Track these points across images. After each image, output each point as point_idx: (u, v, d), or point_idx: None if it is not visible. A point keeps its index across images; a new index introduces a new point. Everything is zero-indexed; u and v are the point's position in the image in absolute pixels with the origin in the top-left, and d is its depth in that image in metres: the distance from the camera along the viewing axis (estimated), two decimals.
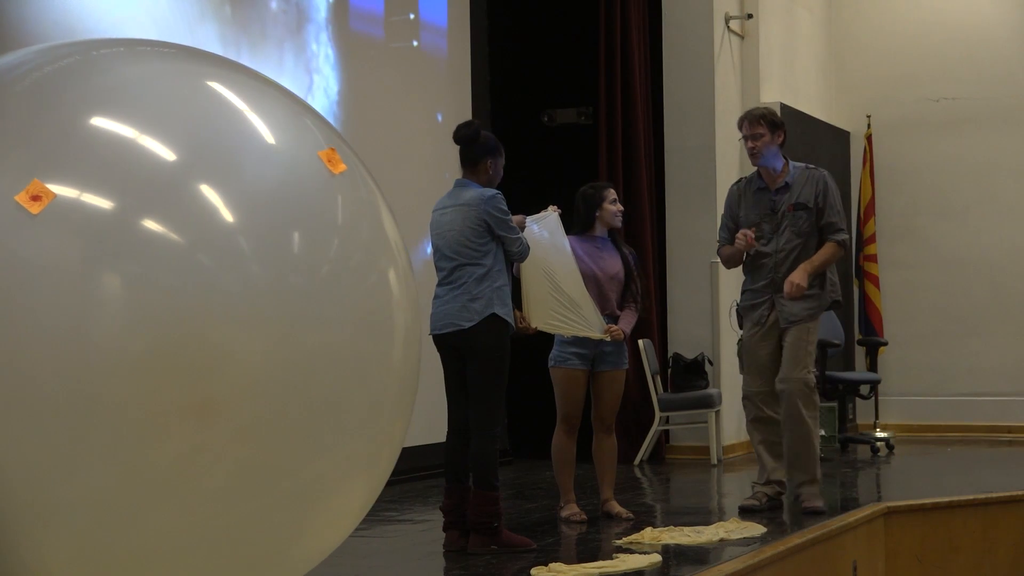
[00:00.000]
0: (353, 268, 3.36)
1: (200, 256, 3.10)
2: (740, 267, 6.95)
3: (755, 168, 6.81)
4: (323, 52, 8.06)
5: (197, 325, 3.05)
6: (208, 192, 3.17)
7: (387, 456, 3.57)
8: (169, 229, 3.09)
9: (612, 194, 6.71)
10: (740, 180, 7.00)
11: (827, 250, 6.68)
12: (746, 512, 6.60)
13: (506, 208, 5.69)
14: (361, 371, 3.33)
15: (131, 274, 3.04)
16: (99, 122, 3.21)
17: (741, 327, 6.96)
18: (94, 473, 3.03)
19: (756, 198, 6.77)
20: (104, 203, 3.09)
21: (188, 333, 3.04)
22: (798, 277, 6.57)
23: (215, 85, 3.42)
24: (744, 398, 6.90)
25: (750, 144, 6.71)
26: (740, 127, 6.79)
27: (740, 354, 7.00)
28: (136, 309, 3.02)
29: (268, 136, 3.36)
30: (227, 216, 3.17)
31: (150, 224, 3.09)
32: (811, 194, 6.68)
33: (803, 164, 6.83)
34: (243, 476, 3.14)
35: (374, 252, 3.45)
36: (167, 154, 3.19)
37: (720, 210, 9.99)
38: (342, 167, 3.41)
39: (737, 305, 7.03)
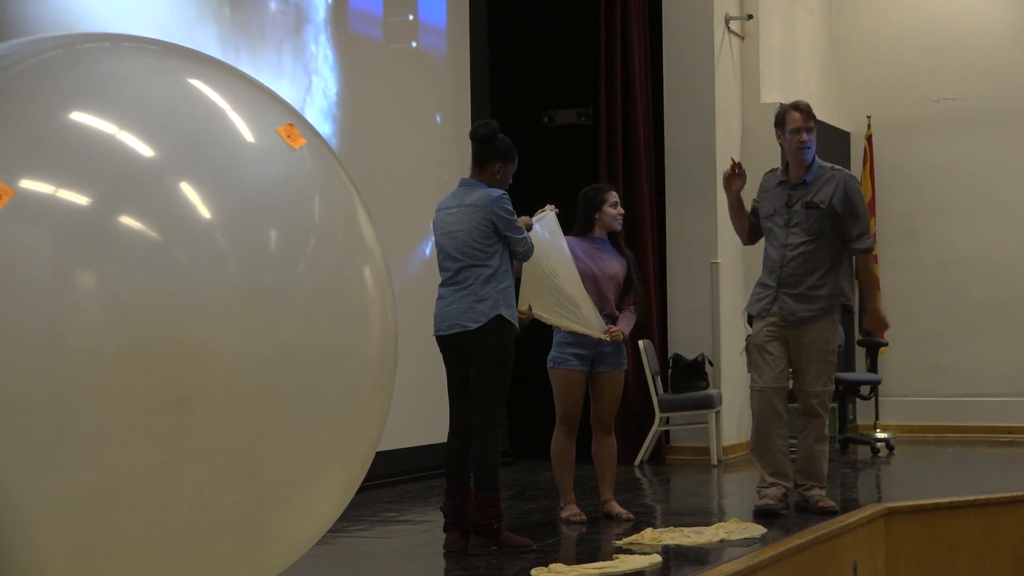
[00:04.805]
0: (329, 265, 3.38)
1: (176, 252, 3.09)
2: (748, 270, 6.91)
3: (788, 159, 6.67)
4: (322, 53, 8.05)
5: (172, 322, 3.05)
6: (185, 188, 3.17)
7: (363, 450, 3.59)
8: (145, 226, 3.09)
9: (613, 197, 6.69)
10: (775, 169, 6.81)
11: (863, 265, 6.71)
12: (766, 515, 6.41)
13: (512, 208, 5.67)
14: (336, 367, 3.35)
15: (106, 271, 3.04)
16: (77, 117, 3.20)
17: (751, 326, 6.79)
18: (71, 472, 3.04)
19: (776, 191, 6.65)
20: (79, 199, 3.07)
21: (163, 330, 3.04)
22: (878, 316, 6.75)
23: (196, 82, 3.41)
24: (759, 391, 6.62)
25: (805, 137, 6.54)
26: (787, 119, 6.56)
27: (748, 350, 6.79)
28: (111, 306, 3.02)
29: (247, 134, 3.36)
30: (204, 213, 3.16)
31: (126, 220, 3.08)
32: (827, 195, 6.55)
33: (829, 164, 6.73)
34: (219, 469, 3.16)
35: (350, 249, 3.47)
36: (144, 150, 3.19)
37: (720, 210, 10.08)
38: (302, 141, 3.43)
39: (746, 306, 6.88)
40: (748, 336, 6.78)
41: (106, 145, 3.16)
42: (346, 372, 3.39)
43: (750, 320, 6.77)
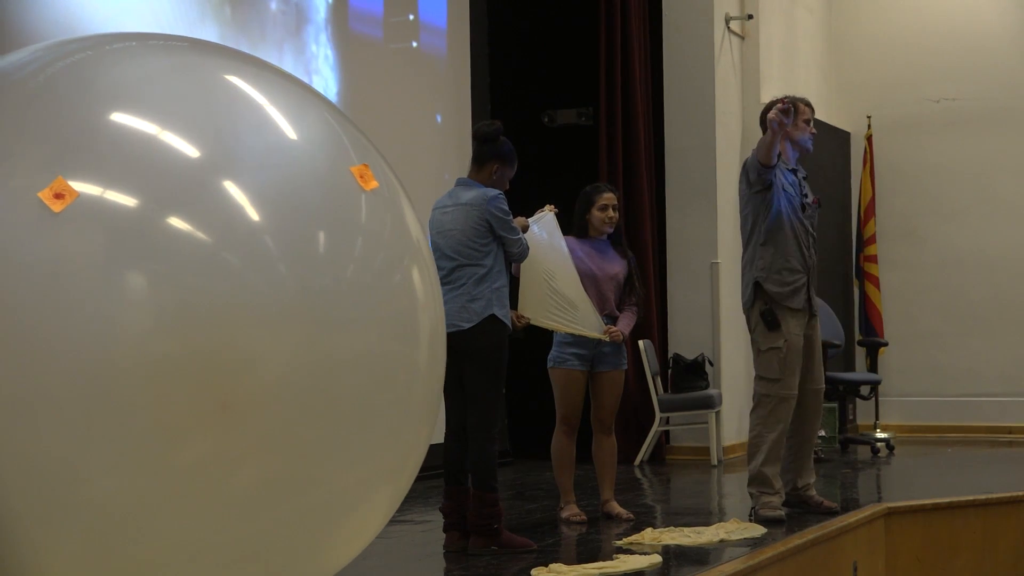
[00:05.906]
0: (377, 268, 3.27)
1: (227, 255, 3.02)
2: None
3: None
4: (322, 53, 8.05)
5: (223, 326, 2.97)
6: (232, 190, 3.09)
7: (412, 463, 3.49)
8: (194, 227, 3.02)
9: (604, 199, 6.58)
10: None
11: None
12: (779, 523, 6.27)
13: (507, 208, 5.67)
14: (387, 375, 3.24)
15: (156, 273, 2.97)
16: (119, 118, 3.13)
17: (775, 324, 6.35)
18: (114, 476, 2.98)
19: (790, 178, 6.50)
20: (128, 201, 3.02)
21: (214, 334, 2.97)
22: None
23: (233, 79, 3.33)
24: (782, 400, 6.37)
25: (814, 129, 6.60)
26: (795, 110, 6.41)
27: (784, 354, 6.34)
28: (161, 309, 2.95)
29: (290, 132, 3.28)
30: (252, 215, 3.08)
31: (175, 222, 3.01)
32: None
33: None
34: (265, 484, 3.07)
35: (398, 251, 3.36)
36: (190, 150, 3.12)
37: (720, 210, 10.13)
38: (374, 184, 3.32)
39: (766, 290, 6.36)
40: (781, 333, 6.34)
41: (150, 146, 3.10)
42: (397, 380, 3.27)
43: (771, 315, 6.37)
